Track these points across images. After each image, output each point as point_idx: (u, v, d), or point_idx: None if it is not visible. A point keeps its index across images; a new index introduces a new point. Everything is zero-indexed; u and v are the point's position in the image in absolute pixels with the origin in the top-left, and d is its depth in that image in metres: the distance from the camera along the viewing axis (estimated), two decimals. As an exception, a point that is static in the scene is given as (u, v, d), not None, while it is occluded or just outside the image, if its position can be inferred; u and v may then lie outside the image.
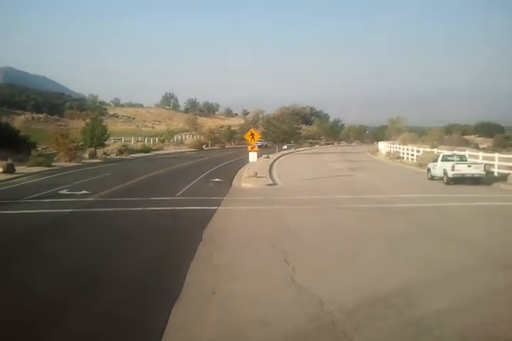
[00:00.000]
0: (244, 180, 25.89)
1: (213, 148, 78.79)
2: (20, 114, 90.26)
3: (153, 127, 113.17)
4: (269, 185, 24.77)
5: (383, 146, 59.09)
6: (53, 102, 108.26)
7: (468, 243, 11.69)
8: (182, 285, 8.35)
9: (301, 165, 40.19)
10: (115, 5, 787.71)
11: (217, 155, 55.64)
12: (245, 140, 32.22)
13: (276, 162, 43.36)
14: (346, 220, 14.75)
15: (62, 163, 39.63)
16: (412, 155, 42.05)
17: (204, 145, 76.88)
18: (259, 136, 29.30)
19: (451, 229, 13.36)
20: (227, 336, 6.33)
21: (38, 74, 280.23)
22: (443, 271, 9.11)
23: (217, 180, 26.73)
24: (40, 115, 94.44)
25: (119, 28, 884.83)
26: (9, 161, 31.46)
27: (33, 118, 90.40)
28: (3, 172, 29.49)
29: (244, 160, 34.14)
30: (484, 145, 68.90)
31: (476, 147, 62.27)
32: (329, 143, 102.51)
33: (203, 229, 13.29)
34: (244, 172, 29.91)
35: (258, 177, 26.57)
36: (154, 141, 77.20)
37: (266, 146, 69.18)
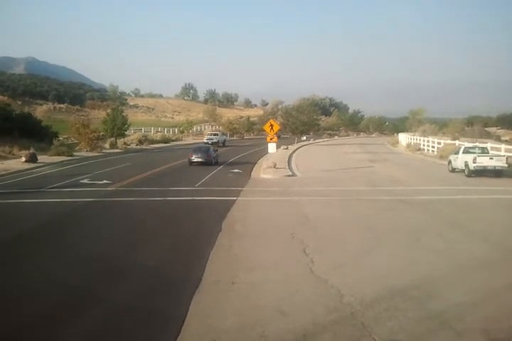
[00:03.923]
0: (264, 171, 25.91)
1: (232, 138, 78.77)
2: (42, 104, 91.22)
3: (172, 118, 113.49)
4: (288, 176, 24.73)
5: (403, 138, 58.41)
6: (75, 92, 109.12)
7: (488, 236, 11.54)
8: (202, 275, 8.44)
9: (320, 157, 40.00)
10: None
11: (236, 145, 55.65)
12: (264, 131, 32.09)
13: (295, 153, 43.22)
14: (366, 212, 14.67)
15: (84, 153, 40.17)
16: (433, 147, 41.58)
17: (223, 136, 76.89)
18: (278, 128, 29.02)
19: (472, 223, 13.20)
20: (247, 325, 6.38)
21: (57, 65, 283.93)
22: (462, 264, 9.05)
23: (236, 170, 26.80)
24: (62, 105, 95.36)
25: (140, 19, 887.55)
26: (32, 150, 32.04)
27: (54, 108, 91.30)
28: (26, 161, 30.03)
29: (263, 151, 34.13)
30: (506, 138, 67.47)
31: (498, 139, 61.14)
32: (347, 135, 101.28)
33: (223, 219, 13.38)
34: (264, 163, 29.89)
35: (277, 168, 26.56)
36: (174, 131, 77.52)
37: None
